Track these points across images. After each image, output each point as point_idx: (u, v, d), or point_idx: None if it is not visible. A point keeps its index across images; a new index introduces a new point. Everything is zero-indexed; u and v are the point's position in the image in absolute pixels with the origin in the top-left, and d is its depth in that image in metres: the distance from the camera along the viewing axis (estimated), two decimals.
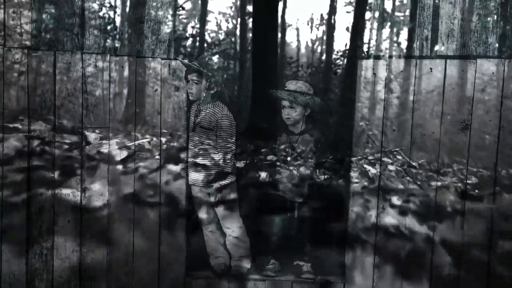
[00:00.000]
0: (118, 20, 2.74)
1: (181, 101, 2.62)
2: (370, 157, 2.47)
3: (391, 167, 2.51)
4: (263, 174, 2.82)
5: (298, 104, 2.66)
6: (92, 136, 2.61)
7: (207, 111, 2.65)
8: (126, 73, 2.71)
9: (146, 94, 2.67)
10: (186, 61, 2.64)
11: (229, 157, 2.64)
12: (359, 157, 2.47)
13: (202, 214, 2.76)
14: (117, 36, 2.68)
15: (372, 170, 2.47)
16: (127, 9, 2.75)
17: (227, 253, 2.76)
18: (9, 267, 2.52)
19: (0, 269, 2.50)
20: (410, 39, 2.48)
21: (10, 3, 2.35)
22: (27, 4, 2.45)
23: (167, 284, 2.55)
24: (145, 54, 2.62)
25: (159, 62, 2.52)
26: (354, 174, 2.48)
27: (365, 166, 2.47)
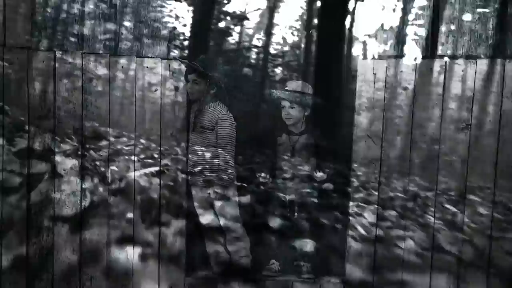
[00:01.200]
0: (184, 29, 2.80)
1: None
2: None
3: None
4: (263, 174, 2.89)
5: (298, 104, 2.77)
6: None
7: (207, 111, 2.79)
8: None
9: None
10: (186, 60, 2.73)
11: (229, 157, 2.75)
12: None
13: (202, 214, 2.87)
14: (182, 46, 2.74)
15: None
16: (192, 20, 2.81)
17: (227, 253, 2.86)
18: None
19: (0, 269, 2.62)
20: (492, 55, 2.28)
21: None
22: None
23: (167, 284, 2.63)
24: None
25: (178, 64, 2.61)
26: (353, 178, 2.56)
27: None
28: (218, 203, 2.81)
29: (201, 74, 2.75)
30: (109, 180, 2.54)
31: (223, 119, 2.77)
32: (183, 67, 2.66)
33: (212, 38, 2.65)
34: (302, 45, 2.66)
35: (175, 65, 2.60)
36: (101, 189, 2.56)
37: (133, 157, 2.58)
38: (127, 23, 2.95)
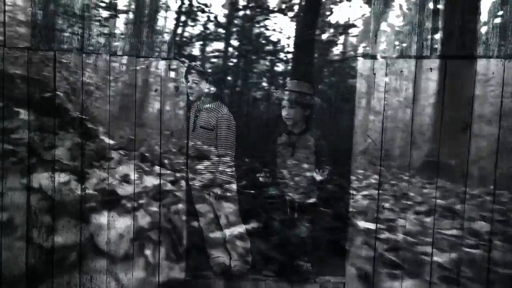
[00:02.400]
0: (287, 42, 2.77)
1: None
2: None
3: None
4: (263, 174, 2.82)
5: (298, 104, 2.70)
6: None
7: (207, 111, 2.74)
8: None
9: None
10: (186, 61, 2.69)
11: (229, 157, 2.70)
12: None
13: (202, 214, 2.82)
14: (286, 59, 2.72)
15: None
16: (296, 33, 2.77)
17: (227, 253, 2.82)
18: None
19: (0, 269, 2.63)
20: None
21: None
22: None
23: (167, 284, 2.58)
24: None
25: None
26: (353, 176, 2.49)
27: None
28: (218, 203, 2.76)
29: (201, 74, 2.71)
30: None
31: (223, 119, 2.73)
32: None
33: (317, 49, 2.56)
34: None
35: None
36: None
37: None
38: (233, 41, 3.00)
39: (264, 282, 2.73)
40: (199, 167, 2.76)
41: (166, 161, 2.73)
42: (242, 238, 2.82)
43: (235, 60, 3.15)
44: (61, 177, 2.63)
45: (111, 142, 2.63)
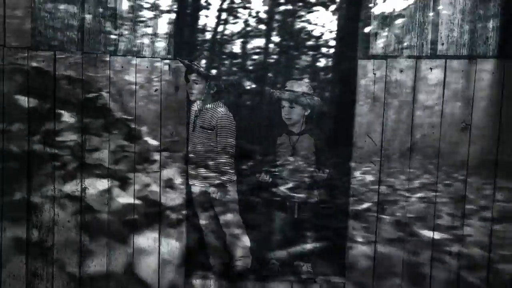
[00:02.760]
0: (330, 36, 2.70)
1: None
2: None
3: None
4: (263, 174, 2.81)
5: (298, 104, 2.73)
6: None
7: (207, 111, 2.74)
8: None
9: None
10: (186, 61, 2.66)
11: (229, 157, 2.69)
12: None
13: (202, 214, 2.82)
14: (328, 53, 2.65)
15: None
16: (337, 26, 2.70)
17: (227, 253, 2.81)
18: None
19: (0, 269, 2.62)
20: None
21: None
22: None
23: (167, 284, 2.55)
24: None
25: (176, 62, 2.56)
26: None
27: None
28: (218, 203, 2.75)
29: (201, 74, 2.70)
30: None
31: (223, 119, 2.72)
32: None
33: (360, 43, 2.49)
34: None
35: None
36: None
37: None
38: (274, 38, 2.97)
39: (264, 282, 2.73)
40: (199, 167, 2.77)
41: (210, 162, 2.76)
42: (242, 238, 2.82)
43: (275, 57, 3.12)
44: (102, 184, 2.63)
45: (155, 143, 2.66)
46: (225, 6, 3.14)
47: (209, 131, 2.75)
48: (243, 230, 2.82)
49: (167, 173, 2.64)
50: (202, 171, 2.77)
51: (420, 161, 2.55)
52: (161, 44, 2.56)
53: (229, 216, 2.80)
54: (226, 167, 2.73)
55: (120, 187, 2.66)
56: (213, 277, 2.74)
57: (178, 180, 2.67)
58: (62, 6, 2.47)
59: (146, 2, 2.56)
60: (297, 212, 2.82)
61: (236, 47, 3.16)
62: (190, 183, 2.81)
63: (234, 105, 2.82)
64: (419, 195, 2.57)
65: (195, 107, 2.81)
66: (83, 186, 2.63)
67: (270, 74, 3.04)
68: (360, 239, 2.65)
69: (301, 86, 2.80)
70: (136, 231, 2.68)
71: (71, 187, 2.64)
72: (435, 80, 2.50)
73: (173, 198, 2.68)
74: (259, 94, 2.88)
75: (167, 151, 2.65)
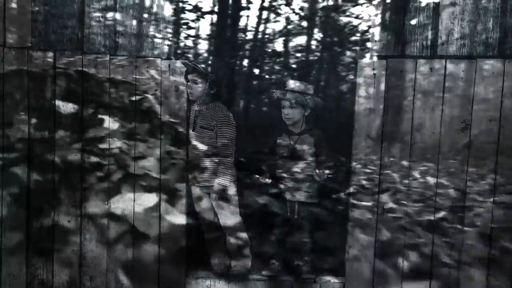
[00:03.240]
0: (374, 30, 2.61)
1: None
2: None
3: None
4: (263, 174, 2.79)
5: (298, 104, 2.70)
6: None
7: (207, 111, 2.71)
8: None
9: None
10: (186, 61, 2.63)
11: (229, 156, 2.67)
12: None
13: (202, 214, 2.79)
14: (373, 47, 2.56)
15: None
16: (381, 19, 2.60)
17: (227, 253, 2.79)
18: None
19: (0, 269, 2.56)
20: None
21: None
22: None
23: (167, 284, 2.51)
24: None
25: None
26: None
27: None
28: (218, 203, 2.73)
29: (201, 74, 2.67)
30: None
31: (223, 119, 2.69)
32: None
33: (406, 36, 2.37)
34: None
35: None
36: None
37: None
38: (317, 35, 2.92)
39: (264, 282, 2.69)
40: (199, 167, 2.74)
41: (264, 167, 2.76)
42: (242, 238, 2.78)
43: (319, 54, 3.05)
44: (149, 200, 2.58)
45: (204, 147, 2.67)
46: (266, 4, 3.11)
47: (209, 131, 2.72)
48: (243, 230, 2.79)
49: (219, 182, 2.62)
50: (202, 171, 2.75)
51: (478, 159, 2.37)
52: (203, 46, 2.57)
53: (229, 217, 2.76)
54: (226, 167, 2.70)
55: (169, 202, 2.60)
56: (213, 277, 2.72)
57: (232, 191, 2.64)
58: (109, 14, 2.54)
59: (188, 4, 2.57)
60: (297, 212, 2.77)
61: (278, 46, 3.12)
62: (190, 183, 2.79)
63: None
64: (494, 199, 2.37)
65: (195, 107, 2.79)
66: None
67: (314, 72, 2.98)
68: (446, 260, 2.49)
69: (301, 86, 2.76)
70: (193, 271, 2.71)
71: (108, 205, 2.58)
72: (493, 73, 2.34)
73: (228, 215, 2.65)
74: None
75: (215, 156, 2.63)
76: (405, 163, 2.49)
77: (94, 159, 2.54)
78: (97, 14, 2.49)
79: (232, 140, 2.71)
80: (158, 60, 2.53)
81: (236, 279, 2.70)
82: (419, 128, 2.48)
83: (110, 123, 2.55)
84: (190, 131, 2.76)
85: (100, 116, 2.56)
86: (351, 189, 2.55)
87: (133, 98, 2.54)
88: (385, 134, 2.49)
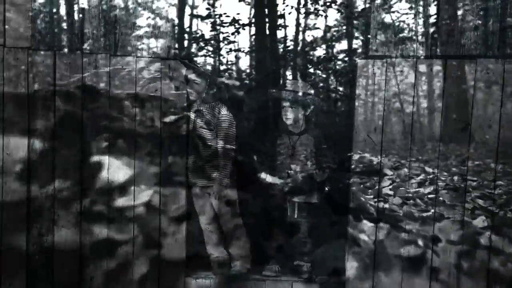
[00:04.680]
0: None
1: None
2: None
3: None
4: (263, 174, 2.75)
5: (298, 104, 2.68)
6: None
7: (207, 111, 2.68)
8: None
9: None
10: (186, 61, 2.62)
11: (229, 156, 2.64)
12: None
13: (202, 214, 2.76)
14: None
15: None
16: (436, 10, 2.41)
17: (227, 253, 2.77)
18: None
19: (0, 269, 2.46)
20: None
21: None
22: None
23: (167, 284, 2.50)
24: None
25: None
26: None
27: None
28: (217, 203, 2.69)
29: (201, 74, 2.66)
30: None
31: (223, 119, 2.66)
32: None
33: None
34: None
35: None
36: None
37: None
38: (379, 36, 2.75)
39: (264, 282, 2.66)
40: (199, 167, 2.70)
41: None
42: (242, 238, 2.75)
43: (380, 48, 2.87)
44: None
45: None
46: (302, 13, 3.01)
47: (209, 131, 2.68)
48: (243, 230, 2.76)
49: None
50: (202, 171, 2.71)
51: None
52: (245, 62, 2.48)
53: (228, 216, 2.73)
54: (226, 167, 2.66)
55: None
56: (213, 277, 2.70)
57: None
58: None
59: (226, 16, 2.48)
60: (297, 212, 2.74)
61: (320, 53, 2.99)
62: (190, 183, 2.75)
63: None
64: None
65: (195, 107, 2.75)
66: None
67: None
68: None
69: (301, 86, 2.75)
70: None
71: None
72: None
73: None
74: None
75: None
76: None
77: None
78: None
79: (232, 140, 2.68)
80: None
81: (236, 279, 2.68)
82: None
83: None
84: (190, 132, 2.72)
85: None
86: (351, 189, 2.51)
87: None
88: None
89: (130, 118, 2.29)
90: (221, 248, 2.81)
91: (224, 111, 2.70)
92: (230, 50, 2.64)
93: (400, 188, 2.44)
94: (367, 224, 2.43)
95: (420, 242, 2.41)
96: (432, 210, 2.41)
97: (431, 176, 2.43)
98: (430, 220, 2.42)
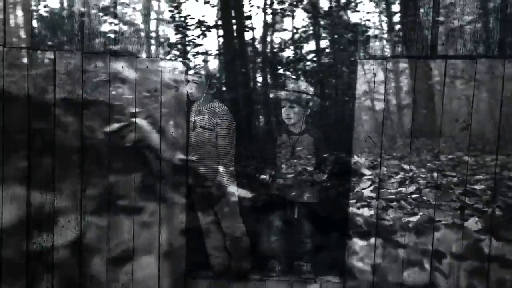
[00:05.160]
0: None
1: None
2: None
3: None
4: (263, 175, 2.77)
5: (298, 104, 2.69)
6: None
7: (207, 111, 2.69)
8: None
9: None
10: (186, 61, 2.73)
11: (229, 156, 2.65)
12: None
13: (202, 214, 2.77)
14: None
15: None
16: None
17: (227, 253, 2.78)
18: None
19: (0, 268, 2.40)
20: None
21: None
22: None
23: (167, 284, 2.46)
24: None
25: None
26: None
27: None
28: (218, 203, 2.71)
29: (201, 74, 2.67)
30: None
31: (223, 119, 2.67)
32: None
33: None
34: None
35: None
36: None
37: None
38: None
39: (264, 282, 2.66)
40: (199, 167, 2.70)
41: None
42: (242, 238, 2.76)
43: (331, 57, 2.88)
44: None
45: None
46: (269, 13, 2.99)
47: (209, 131, 2.69)
48: (243, 230, 2.76)
49: None
50: (202, 171, 2.71)
51: None
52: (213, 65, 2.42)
53: (229, 216, 2.73)
54: (227, 167, 2.67)
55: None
56: (213, 277, 2.70)
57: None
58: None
59: (191, 18, 2.42)
60: (297, 212, 2.74)
61: (288, 54, 2.97)
62: (190, 182, 2.74)
63: None
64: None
65: (195, 107, 2.77)
66: None
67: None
68: None
69: (301, 86, 2.75)
70: None
71: None
72: None
73: None
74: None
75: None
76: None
77: None
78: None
79: (232, 140, 2.68)
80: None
81: (236, 279, 2.67)
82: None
83: None
84: (190, 131, 2.74)
85: None
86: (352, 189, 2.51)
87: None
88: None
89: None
90: (221, 248, 2.81)
91: (224, 111, 2.70)
92: (197, 53, 2.57)
93: (382, 190, 2.40)
94: (357, 243, 2.35)
95: (424, 262, 2.29)
96: (421, 213, 2.35)
97: (410, 174, 2.41)
98: (424, 228, 2.34)
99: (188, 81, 2.67)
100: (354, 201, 2.33)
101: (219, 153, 2.68)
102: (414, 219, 2.35)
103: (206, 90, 2.69)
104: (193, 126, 2.72)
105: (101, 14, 2.01)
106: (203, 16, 2.69)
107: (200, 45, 2.61)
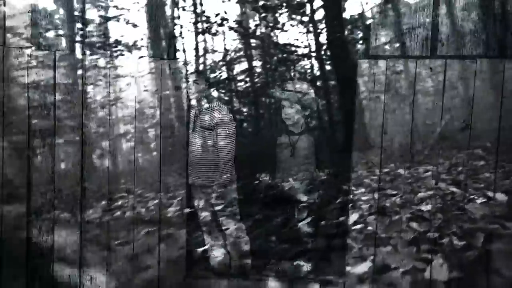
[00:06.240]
0: None
1: None
2: None
3: None
4: (263, 175, 2.78)
5: (298, 104, 2.70)
6: None
7: (207, 111, 2.69)
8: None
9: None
10: (186, 61, 2.77)
11: (229, 157, 2.64)
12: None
13: (202, 214, 2.76)
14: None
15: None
16: None
17: (227, 253, 2.78)
18: None
19: (0, 268, 2.45)
20: None
21: None
22: None
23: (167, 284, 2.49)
24: None
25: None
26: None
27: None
28: (218, 203, 2.69)
29: (201, 74, 2.70)
30: None
31: (223, 119, 2.67)
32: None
33: None
34: None
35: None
36: None
37: None
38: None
39: (264, 282, 2.65)
40: (199, 167, 2.70)
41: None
42: (242, 238, 2.75)
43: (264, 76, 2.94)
44: None
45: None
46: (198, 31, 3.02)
47: (209, 131, 2.69)
48: (243, 230, 2.75)
49: None
50: (202, 170, 2.70)
51: None
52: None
53: (229, 216, 2.71)
54: (227, 167, 2.65)
55: None
56: (213, 277, 2.68)
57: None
58: None
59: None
60: (297, 212, 2.74)
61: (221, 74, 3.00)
62: (190, 182, 2.75)
63: None
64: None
65: (195, 107, 2.77)
66: None
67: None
68: None
69: (301, 86, 2.76)
70: None
71: None
72: None
73: None
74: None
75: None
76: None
77: None
78: None
79: (232, 140, 2.66)
80: None
81: (236, 279, 2.63)
82: None
83: None
84: (190, 131, 2.73)
85: None
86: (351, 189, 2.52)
87: None
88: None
89: None
90: (221, 247, 2.80)
91: (224, 111, 2.69)
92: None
93: (322, 222, 2.26)
94: None
95: None
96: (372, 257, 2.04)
97: (351, 197, 2.21)
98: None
99: (188, 82, 2.67)
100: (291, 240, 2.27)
101: (220, 153, 2.65)
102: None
103: (206, 91, 2.69)
104: (193, 126, 2.72)
105: None
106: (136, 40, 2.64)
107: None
